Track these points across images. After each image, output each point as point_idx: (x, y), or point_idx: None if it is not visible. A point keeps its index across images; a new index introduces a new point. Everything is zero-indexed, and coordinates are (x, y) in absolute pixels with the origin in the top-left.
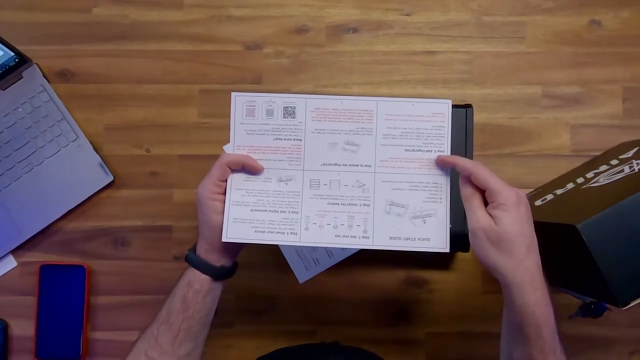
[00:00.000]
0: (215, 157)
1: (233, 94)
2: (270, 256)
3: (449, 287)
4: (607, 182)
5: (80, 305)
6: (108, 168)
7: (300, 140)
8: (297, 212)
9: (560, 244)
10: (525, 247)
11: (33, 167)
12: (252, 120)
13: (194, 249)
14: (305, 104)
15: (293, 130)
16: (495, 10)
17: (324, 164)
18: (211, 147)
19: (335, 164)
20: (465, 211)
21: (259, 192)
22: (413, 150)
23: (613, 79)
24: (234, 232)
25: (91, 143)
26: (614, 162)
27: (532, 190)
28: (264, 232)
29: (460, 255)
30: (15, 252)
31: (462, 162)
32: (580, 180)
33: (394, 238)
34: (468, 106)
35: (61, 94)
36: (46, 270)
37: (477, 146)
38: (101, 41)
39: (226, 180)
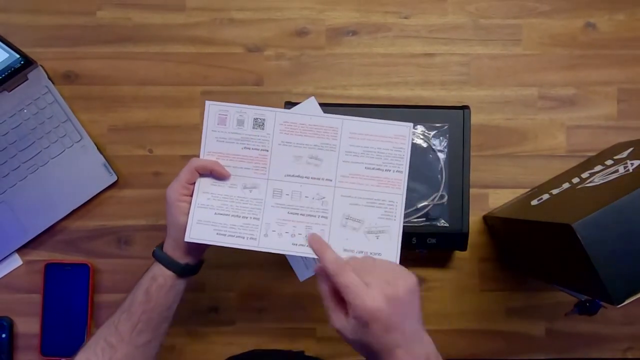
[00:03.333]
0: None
1: (207, 102)
2: (271, 255)
3: (447, 285)
4: (602, 182)
5: (84, 303)
6: (112, 168)
7: (267, 150)
8: (259, 219)
9: (556, 243)
10: (385, 352)
11: (38, 168)
12: (223, 128)
13: (161, 246)
14: (275, 117)
15: (261, 141)
16: (492, 13)
17: (287, 175)
18: None
19: (299, 176)
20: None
21: (224, 197)
22: (373, 168)
23: (608, 80)
24: (197, 233)
25: (95, 144)
26: (609, 162)
27: (528, 190)
28: (224, 235)
29: (458, 253)
30: (20, 250)
31: (327, 259)
32: (575, 180)
33: (348, 250)
34: (465, 107)
35: (66, 95)
36: (51, 269)
37: (474, 147)
38: (105, 43)
39: (194, 183)
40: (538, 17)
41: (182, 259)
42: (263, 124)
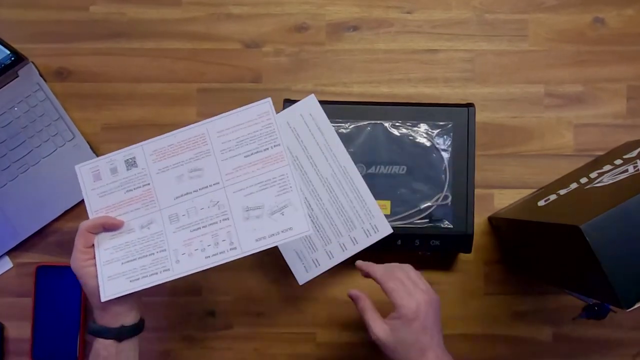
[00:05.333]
0: None
1: (76, 167)
2: (269, 257)
3: (450, 288)
4: (611, 182)
5: (77, 307)
6: None
7: (149, 184)
8: (165, 250)
9: (563, 245)
10: (419, 351)
11: (29, 167)
12: (100, 183)
13: (94, 320)
14: (143, 151)
15: (139, 178)
16: (497, 8)
17: (176, 197)
18: None
19: (187, 193)
20: (365, 322)
21: (125, 245)
22: (252, 154)
23: (617, 77)
24: (111, 289)
25: (88, 143)
26: (618, 162)
27: (535, 190)
28: (138, 279)
29: (462, 256)
30: (11, 253)
31: (377, 270)
32: (583, 180)
33: (260, 239)
34: (470, 105)
35: (58, 92)
36: (43, 272)
37: (479, 146)
38: (98, 39)
39: (93, 245)
40: (545, 12)
41: (114, 322)
42: (135, 162)
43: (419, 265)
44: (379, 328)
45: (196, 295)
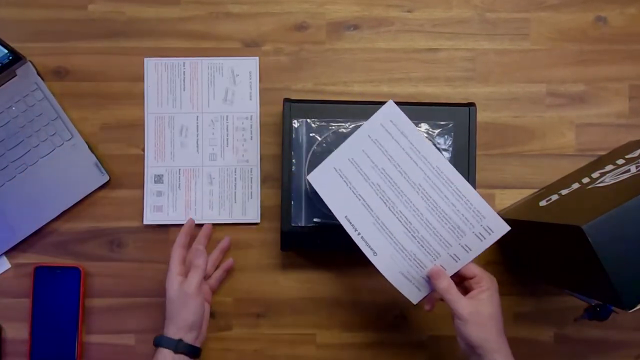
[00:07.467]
0: None
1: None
2: (269, 259)
3: None
4: (613, 182)
5: (75, 308)
6: (104, 168)
7: None
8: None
9: (565, 245)
10: (502, 324)
11: (27, 167)
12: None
13: (161, 334)
14: None
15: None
16: (499, 6)
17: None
18: None
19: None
20: (448, 302)
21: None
22: None
23: (619, 77)
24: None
25: (86, 142)
26: (620, 161)
27: (536, 190)
28: None
29: None
30: (8, 253)
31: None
32: (585, 180)
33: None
34: (471, 105)
35: (56, 92)
36: (40, 272)
37: (481, 145)
38: (97, 38)
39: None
40: (546, 11)
41: (176, 335)
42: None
43: None
44: (468, 303)
45: None
